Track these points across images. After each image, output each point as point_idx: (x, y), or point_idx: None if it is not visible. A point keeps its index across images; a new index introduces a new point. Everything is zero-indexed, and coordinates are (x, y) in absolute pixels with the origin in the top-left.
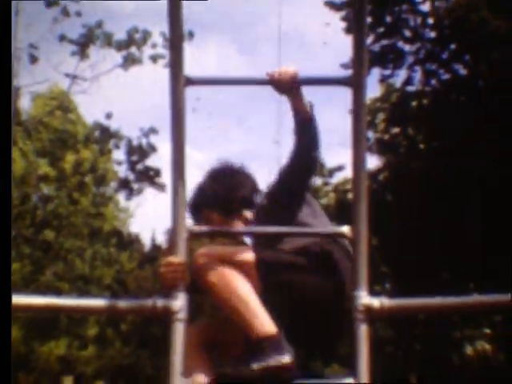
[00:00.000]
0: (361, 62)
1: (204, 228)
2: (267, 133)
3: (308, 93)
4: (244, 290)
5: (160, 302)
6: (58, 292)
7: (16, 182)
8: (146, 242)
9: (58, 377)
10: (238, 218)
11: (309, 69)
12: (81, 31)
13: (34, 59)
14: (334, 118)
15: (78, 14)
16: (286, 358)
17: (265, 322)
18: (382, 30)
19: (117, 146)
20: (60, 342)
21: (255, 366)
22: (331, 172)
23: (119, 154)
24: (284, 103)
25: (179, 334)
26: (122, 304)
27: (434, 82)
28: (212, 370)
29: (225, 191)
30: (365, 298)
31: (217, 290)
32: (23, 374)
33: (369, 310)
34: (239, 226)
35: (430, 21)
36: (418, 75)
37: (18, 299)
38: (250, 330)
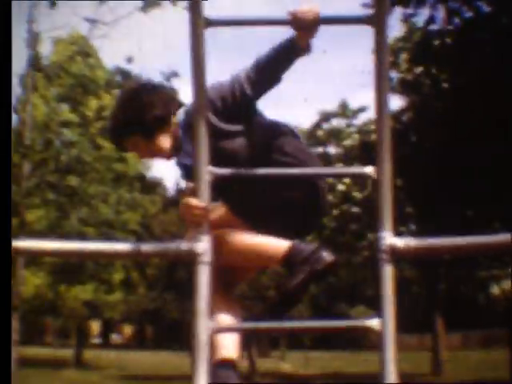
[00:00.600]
0: (382, 0)
1: (227, 170)
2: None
3: (331, 33)
4: (243, 240)
5: (184, 245)
6: (83, 237)
7: (39, 127)
8: (170, 186)
9: (85, 321)
10: (162, 135)
11: (330, 9)
12: None
13: (53, 4)
14: (357, 58)
15: None
16: (326, 255)
17: (279, 246)
18: None
19: None
20: (86, 286)
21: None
22: (355, 113)
23: None
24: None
25: (204, 276)
26: (147, 248)
27: (457, 20)
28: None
29: (137, 112)
30: (389, 239)
31: (227, 255)
32: (50, 319)
33: (393, 250)
34: (166, 142)
35: None
36: (440, 13)
37: (44, 244)
38: (275, 262)
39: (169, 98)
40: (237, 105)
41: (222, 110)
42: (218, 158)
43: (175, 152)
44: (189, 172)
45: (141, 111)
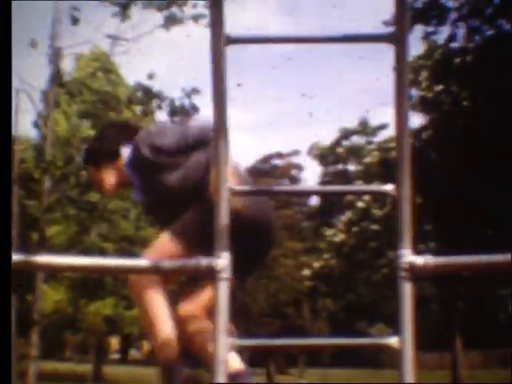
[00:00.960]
0: (403, 18)
1: (246, 187)
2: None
3: (350, 51)
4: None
5: (204, 262)
6: (103, 253)
7: (60, 143)
8: None
9: (104, 337)
10: (107, 168)
11: (350, 27)
12: None
13: (75, 21)
14: (377, 76)
15: None
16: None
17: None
18: None
19: (159, 107)
20: (106, 302)
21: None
22: (374, 130)
23: (162, 115)
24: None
25: (223, 292)
26: (166, 264)
27: (477, 38)
28: None
29: (91, 144)
30: (409, 256)
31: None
32: (70, 334)
33: (413, 268)
34: (108, 176)
35: None
36: (461, 31)
37: (64, 260)
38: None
39: (126, 136)
40: (185, 147)
41: (169, 148)
42: (154, 191)
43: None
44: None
45: (94, 143)
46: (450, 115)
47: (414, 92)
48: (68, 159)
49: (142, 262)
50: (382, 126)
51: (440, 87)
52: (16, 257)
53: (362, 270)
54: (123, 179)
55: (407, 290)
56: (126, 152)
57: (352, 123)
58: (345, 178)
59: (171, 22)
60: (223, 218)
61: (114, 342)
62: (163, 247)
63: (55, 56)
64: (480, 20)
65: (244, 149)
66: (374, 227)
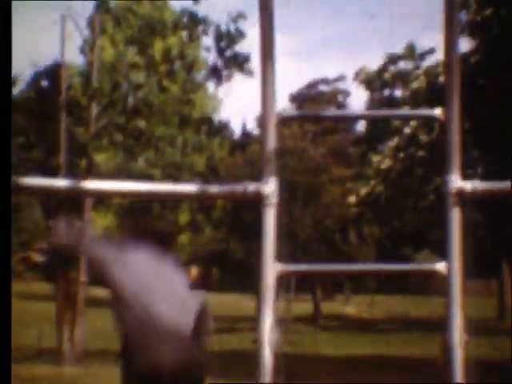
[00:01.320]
0: None
1: (293, 112)
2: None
3: None
4: None
5: (251, 187)
6: (150, 179)
7: (107, 69)
8: (236, 128)
9: None
10: None
11: None
12: None
13: None
14: None
15: None
16: None
17: None
18: None
19: (205, 32)
20: None
21: None
22: (422, 55)
23: (208, 41)
24: None
25: (270, 218)
26: (214, 189)
27: None
28: None
29: None
30: (457, 182)
31: None
32: None
33: (461, 193)
34: None
35: None
36: None
37: (112, 185)
38: None
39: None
40: None
41: None
42: None
43: None
44: None
45: None
46: (499, 40)
47: (463, 15)
48: (114, 86)
49: (188, 187)
50: (430, 51)
51: (489, 11)
52: (65, 183)
53: (409, 197)
54: None
55: (455, 215)
56: None
57: (399, 48)
58: (392, 103)
59: None
60: (270, 142)
61: None
62: None
63: None
64: None
65: (290, 74)
66: (421, 153)
